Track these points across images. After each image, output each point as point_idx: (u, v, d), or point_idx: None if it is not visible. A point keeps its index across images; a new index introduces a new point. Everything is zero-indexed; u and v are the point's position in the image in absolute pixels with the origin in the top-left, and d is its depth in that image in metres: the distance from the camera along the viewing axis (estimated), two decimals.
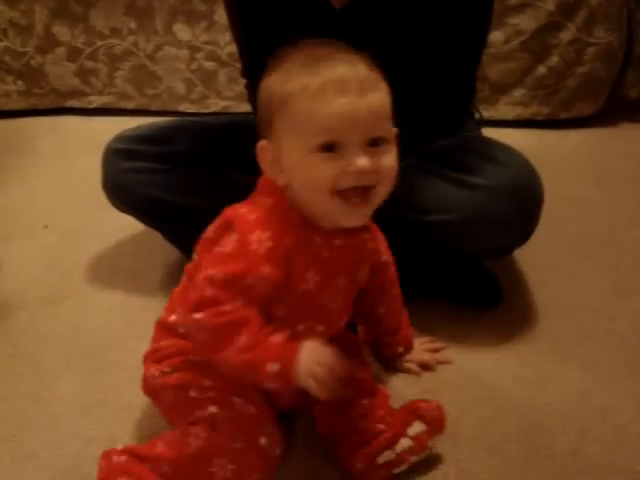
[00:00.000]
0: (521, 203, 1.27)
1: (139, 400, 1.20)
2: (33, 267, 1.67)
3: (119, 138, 1.47)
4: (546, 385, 1.26)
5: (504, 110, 2.36)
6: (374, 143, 0.94)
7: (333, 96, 0.91)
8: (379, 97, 0.95)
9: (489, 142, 1.40)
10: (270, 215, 0.98)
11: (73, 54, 2.60)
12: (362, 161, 0.92)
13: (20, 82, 2.68)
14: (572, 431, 1.16)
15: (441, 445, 1.09)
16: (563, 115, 2.37)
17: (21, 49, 2.62)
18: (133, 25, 2.51)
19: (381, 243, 1.17)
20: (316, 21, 1.37)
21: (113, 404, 1.23)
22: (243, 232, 0.96)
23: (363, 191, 0.94)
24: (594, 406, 1.21)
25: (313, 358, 0.92)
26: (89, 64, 2.60)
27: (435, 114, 1.41)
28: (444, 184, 1.30)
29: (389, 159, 0.96)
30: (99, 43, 2.57)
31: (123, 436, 1.16)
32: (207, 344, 0.96)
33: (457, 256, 1.39)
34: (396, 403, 1.13)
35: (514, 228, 1.29)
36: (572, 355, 1.33)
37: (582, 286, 1.53)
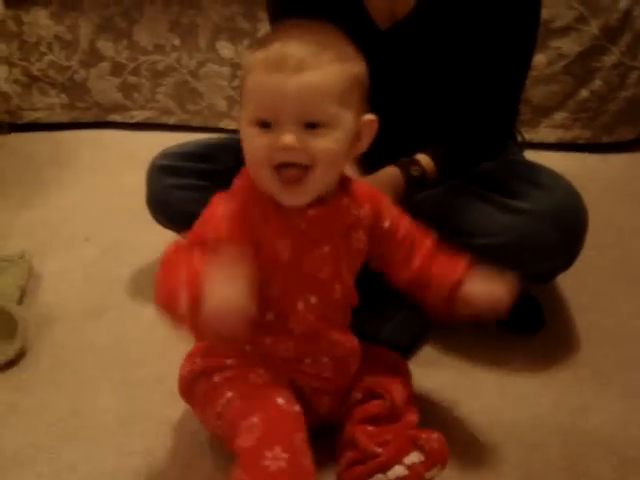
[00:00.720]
0: (565, 228, 1.26)
1: (179, 414, 1.21)
2: (74, 280, 1.69)
3: (164, 155, 1.48)
4: (587, 412, 1.24)
5: (545, 133, 2.35)
6: (311, 126, 0.94)
7: (270, 72, 0.93)
8: (318, 76, 0.93)
9: (533, 166, 1.39)
10: (239, 192, 1.03)
11: (116, 69, 2.62)
12: (287, 138, 0.92)
13: (63, 95, 2.71)
14: (614, 459, 1.14)
15: (482, 470, 1.09)
16: (605, 139, 2.35)
17: (65, 63, 2.66)
18: (176, 42, 2.53)
19: (380, 206, 1.13)
20: (362, 42, 1.37)
21: (153, 418, 1.24)
22: (211, 207, 1.02)
23: (297, 170, 0.95)
24: (636, 435, 1.20)
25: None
26: (132, 79, 2.63)
27: (479, 136, 1.40)
28: (488, 207, 1.30)
29: (324, 142, 0.94)
30: (142, 59, 2.59)
31: (162, 451, 1.16)
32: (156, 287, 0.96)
33: None
34: (431, 424, 1.12)
35: (558, 253, 1.29)
36: (614, 382, 1.32)
37: (625, 312, 1.51)
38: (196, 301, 0.86)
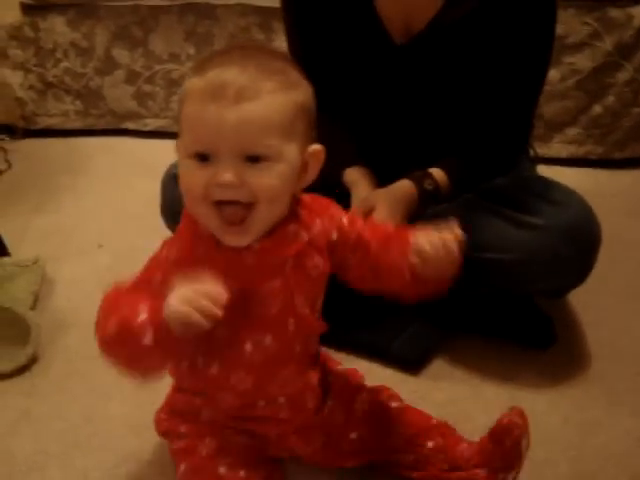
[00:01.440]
0: (578, 244, 1.27)
1: None
2: (87, 286, 1.69)
3: None
4: (598, 429, 1.25)
5: (558, 148, 2.35)
6: (253, 159, 0.87)
7: (207, 102, 0.86)
8: (258, 108, 0.86)
9: (547, 182, 1.39)
10: (183, 232, 0.99)
11: (131, 77, 2.64)
12: (224, 176, 0.86)
13: (78, 102, 2.73)
14: (626, 476, 1.15)
15: None
16: (617, 155, 2.35)
17: (81, 70, 2.67)
18: (192, 51, 2.55)
19: (328, 216, 1.06)
20: (378, 55, 1.38)
21: None
22: (157, 250, 0.98)
23: (239, 208, 0.89)
24: None
25: (181, 292, 0.85)
26: (146, 87, 2.65)
27: (493, 151, 1.41)
28: (502, 223, 1.30)
29: (266, 177, 0.88)
30: (157, 67, 2.61)
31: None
32: (97, 323, 0.95)
33: (512, 295, 1.39)
34: None
35: (571, 269, 1.29)
36: (626, 400, 1.32)
37: (636, 328, 1.51)
38: (161, 329, 0.86)
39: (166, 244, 0.99)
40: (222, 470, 1.02)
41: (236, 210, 0.89)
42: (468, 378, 1.37)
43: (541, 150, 2.11)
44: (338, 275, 1.09)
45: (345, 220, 1.07)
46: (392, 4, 1.34)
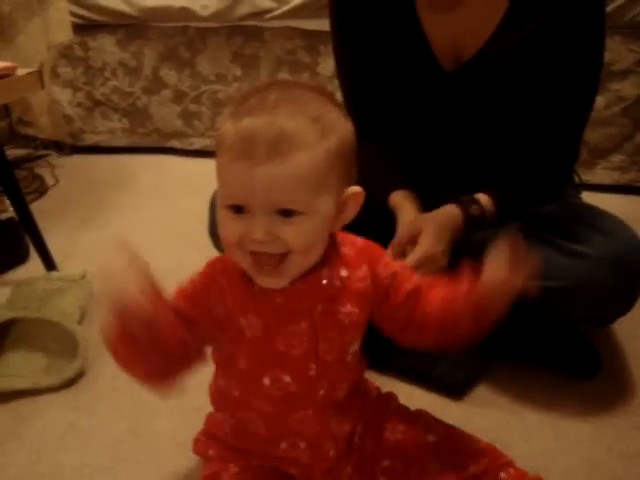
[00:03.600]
0: (626, 275, 1.26)
1: None
2: None
3: None
4: None
5: (602, 175, 2.34)
6: (285, 213, 0.86)
7: (237, 156, 0.84)
8: (290, 167, 0.84)
9: (595, 210, 1.39)
10: (217, 262, 0.99)
11: (178, 97, 2.69)
12: (256, 232, 0.86)
13: (125, 120, 2.79)
14: None
15: None
16: None
17: (128, 89, 2.73)
18: (238, 72, 2.58)
19: (378, 263, 1.03)
20: (426, 82, 1.40)
21: None
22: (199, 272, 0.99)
23: (273, 258, 0.89)
24: None
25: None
26: (193, 107, 2.69)
27: (539, 178, 1.41)
28: (549, 250, 1.30)
29: (299, 231, 0.87)
30: (204, 88, 2.65)
31: None
32: None
33: (557, 323, 1.39)
34: None
35: (617, 298, 1.29)
36: None
37: None
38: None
39: (202, 269, 0.99)
40: None
41: (271, 259, 0.89)
42: (511, 405, 1.36)
43: (585, 176, 2.11)
44: (377, 324, 1.07)
45: (398, 271, 1.04)
46: (442, 32, 1.35)
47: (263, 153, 0.83)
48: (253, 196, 0.85)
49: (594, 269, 1.25)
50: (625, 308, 1.31)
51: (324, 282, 0.96)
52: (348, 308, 0.99)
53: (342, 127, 0.91)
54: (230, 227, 0.89)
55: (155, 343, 0.89)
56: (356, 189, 0.94)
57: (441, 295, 1.02)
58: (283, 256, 0.89)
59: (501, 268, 0.93)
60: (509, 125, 1.39)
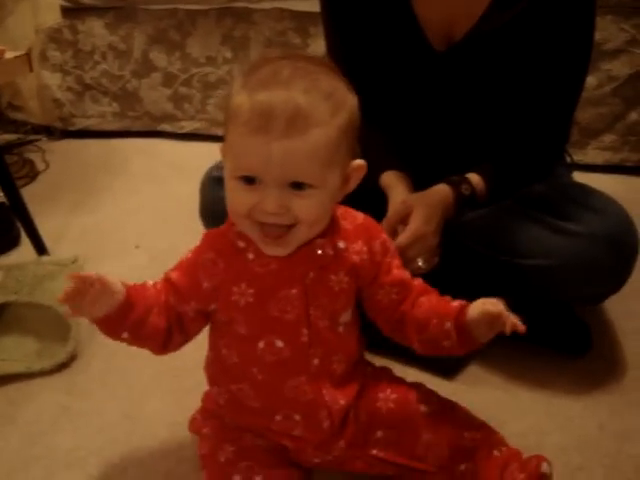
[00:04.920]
0: (617, 253, 1.27)
1: None
2: None
3: (219, 166, 1.50)
4: (634, 437, 1.24)
5: (593, 155, 2.34)
6: (297, 186, 0.90)
7: (254, 130, 0.87)
8: (306, 143, 0.88)
9: (586, 189, 1.39)
10: (213, 231, 1.05)
11: (168, 80, 2.68)
12: (269, 204, 0.89)
13: (115, 104, 2.77)
14: None
15: None
16: None
17: (118, 72, 2.72)
18: (228, 54, 2.57)
19: (375, 242, 1.07)
20: (417, 62, 1.39)
21: None
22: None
23: (281, 229, 0.93)
24: None
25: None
26: (183, 90, 2.68)
27: (530, 157, 1.41)
28: (541, 229, 1.30)
29: (309, 203, 0.91)
30: (194, 70, 2.64)
31: None
32: None
33: (549, 301, 1.39)
34: None
35: (609, 276, 1.29)
36: None
37: None
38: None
39: (196, 246, 1.05)
40: (237, 478, 1.03)
41: (278, 230, 0.93)
42: (503, 383, 1.37)
43: (576, 156, 2.10)
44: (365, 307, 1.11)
45: (392, 251, 1.09)
46: (433, 13, 1.35)
47: (280, 129, 0.86)
48: (267, 169, 0.88)
49: (586, 247, 1.26)
50: (617, 286, 1.32)
51: (319, 252, 1.00)
52: (340, 276, 1.03)
53: (350, 102, 0.94)
54: (241, 198, 0.92)
55: (142, 338, 1.01)
56: (360, 162, 0.98)
57: (433, 302, 1.07)
58: (290, 227, 0.93)
59: (495, 304, 0.99)
60: (500, 105, 1.38)
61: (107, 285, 0.93)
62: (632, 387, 1.35)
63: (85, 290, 0.91)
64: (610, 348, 1.46)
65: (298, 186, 0.90)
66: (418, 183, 1.39)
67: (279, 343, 1.02)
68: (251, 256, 0.99)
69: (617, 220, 1.29)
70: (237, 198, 0.93)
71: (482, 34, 1.33)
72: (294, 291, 1.00)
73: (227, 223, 1.02)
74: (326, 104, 0.89)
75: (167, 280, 1.04)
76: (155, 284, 1.04)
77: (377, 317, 1.12)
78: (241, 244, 1.00)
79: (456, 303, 1.04)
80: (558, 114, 1.41)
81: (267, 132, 0.86)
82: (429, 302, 1.07)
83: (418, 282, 1.10)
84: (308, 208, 0.91)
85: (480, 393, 1.34)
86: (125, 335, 0.99)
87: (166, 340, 1.03)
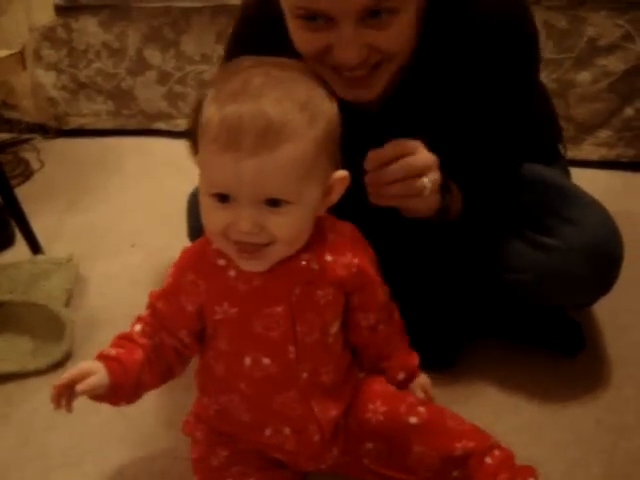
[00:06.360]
0: (595, 265, 1.23)
1: None
2: (120, 285, 1.72)
3: None
4: (630, 433, 1.24)
5: (589, 151, 2.33)
6: (272, 203, 0.87)
7: (223, 147, 0.83)
8: (278, 159, 0.84)
9: (566, 192, 1.32)
10: (190, 250, 1.03)
11: (163, 78, 2.67)
12: (243, 224, 0.86)
13: (110, 102, 2.76)
14: None
15: None
16: None
17: (113, 71, 2.71)
18: (223, 52, 2.56)
19: (364, 257, 1.03)
20: (356, 123, 1.24)
21: None
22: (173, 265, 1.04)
23: (257, 247, 0.90)
24: None
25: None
26: (178, 88, 2.67)
27: (492, 181, 1.29)
28: (520, 244, 1.28)
29: (284, 221, 0.88)
30: (189, 68, 2.63)
31: None
32: None
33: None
34: None
35: (589, 288, 1.28)
36: None
37: None
38: None
39: (175, 264, 1.04)
40: None
41: (254, 248, 0.90)
42: (500, 381, 1.36)
43: (572, 152, 2.09)
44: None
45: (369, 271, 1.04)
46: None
47: (250, 145, 0.82)
48: (240, 187, 0.85)
49: (564, 261, 1.23)
50: (602, 292, 1.30)
51: (303, 263, 0.97)
52: (326, 291, 0.99)
53: (328, 110, 0.90)
54: (215, 217, 0.89)
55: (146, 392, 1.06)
56: (342, 173, 0.94)
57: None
58: (267, 245, 0.90)
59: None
60: (447, 142, 1.19)
61: (88, 383, 0.98)
62: (626, 383, 1.35)
63: (67, 392, 0.96)
64: (604, 346, 1.46)
65: (274, 203, 0.86)
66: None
67: (266, 360, 1.00)
68: (232, 273, 0.97)
69: (597, 232, 1.24)
70: (211, 217, 0.90)
71: (410, 88, 1.22)
72: (279, 309, 0.97)
73: (203, 239, 1.00)
74: (301, 115, 0.85)
75: (154, 311, 1.03)
76: (143, 330, 1.04)
77: (356, 339, 1.11)
78: (221, 262, 0.97)
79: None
80: (508, 139, 1.29)
81: (237, 149, 0.83)
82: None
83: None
84: (285, 226, 0.88)
85: (474, 392, 1.34)
86: (125, 403, 1.04)
87: (169, 379, 1.07)
